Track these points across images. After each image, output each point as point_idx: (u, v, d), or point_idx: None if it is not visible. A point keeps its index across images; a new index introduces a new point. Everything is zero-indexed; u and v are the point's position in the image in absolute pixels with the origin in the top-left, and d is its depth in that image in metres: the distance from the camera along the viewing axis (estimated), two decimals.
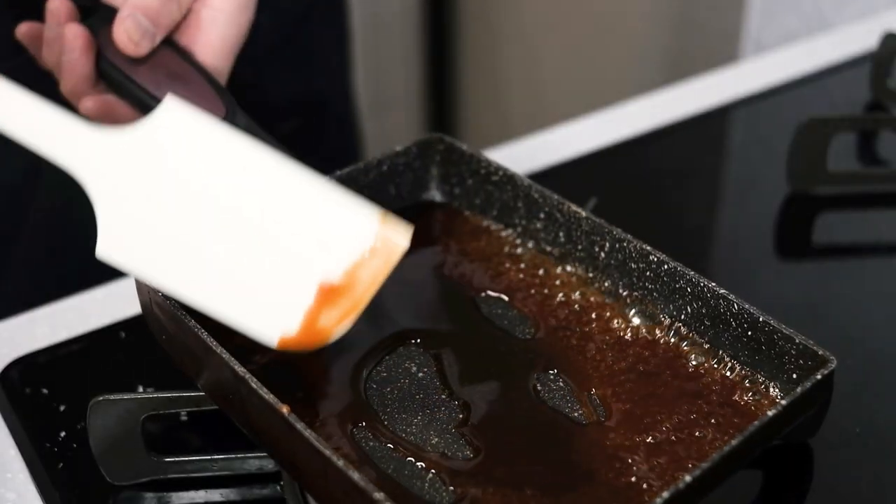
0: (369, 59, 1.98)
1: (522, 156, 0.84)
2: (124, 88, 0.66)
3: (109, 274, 0.72)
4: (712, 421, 0.53)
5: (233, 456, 0.57)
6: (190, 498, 0.57)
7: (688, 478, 0.46)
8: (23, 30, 0.70)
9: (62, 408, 0.62)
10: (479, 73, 2.01)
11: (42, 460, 0.59)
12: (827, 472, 0.57)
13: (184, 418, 0.61)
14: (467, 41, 2.00)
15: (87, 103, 0.66)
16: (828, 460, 0.58)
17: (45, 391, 0.63)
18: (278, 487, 0.57)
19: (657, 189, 0.83)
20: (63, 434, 0.60)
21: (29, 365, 0.65)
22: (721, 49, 1.39)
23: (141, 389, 0.62)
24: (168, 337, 0.56)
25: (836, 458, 0.58)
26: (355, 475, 0.45)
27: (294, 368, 0.56)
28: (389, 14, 1.95)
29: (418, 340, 0.58)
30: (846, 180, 0.80)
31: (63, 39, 0.65)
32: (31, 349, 0.66)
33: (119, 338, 0.67)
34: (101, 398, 0.55)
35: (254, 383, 0.49)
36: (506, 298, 0.61)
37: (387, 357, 0.57)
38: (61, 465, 0.58)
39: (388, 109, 2.04)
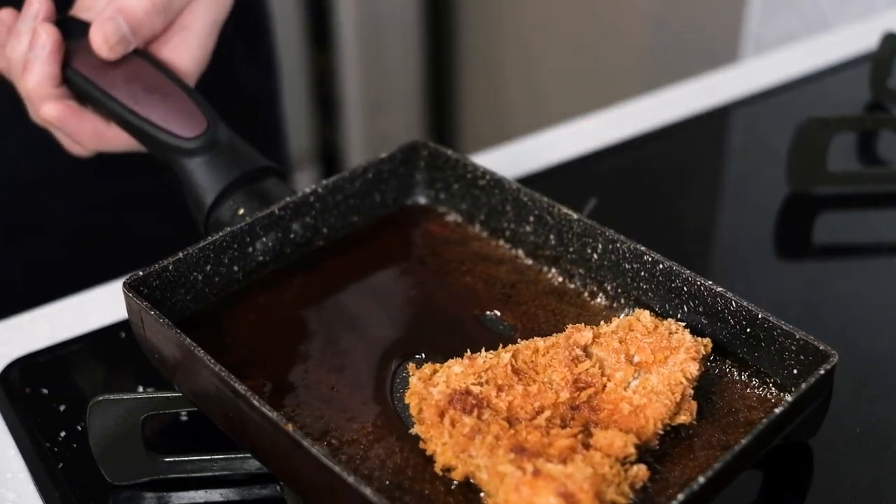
0: (369, 59, 1.98)
1: (522, 156, 0.84)
2: (97, 101, 0.65)
3: (108, 275, 0.72)
4: (714, 419, 0.53)
5: (233, 456, 0.57)
6: (190, 498, 0.57)
7: (701, 479, 0.46)
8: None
9: (62, 408, 0.62)
10: (479, 74, 2.01)
11: (42, 460, 0.59)
12: (827, 472, 0.57)
13: (184, 418, 0.61)
14: (467, 42, 2.00)
15: (49, 108, 0.65)
16: (828, 460, 0.58)
17: (45, 391, 0.63)
18: (278, 487, 0.57)
19: (657, 189, 0.83)
20: (63, 434, 0.60)
21: (29, 365, 0.65)
22: (721, 49, 1.39)
23: (141, 389, 0.62)
24: (161, 357, 0.55)
25: (836, 458, 0.58)
26: (367, 490, 0.45)
27: (294, 386, 0.56)
28: (389, 14, 1.95)
29: (422, 354, 0.57)
30: (846, 180, 0.80)
31: (35, 35, 0.64)
32: (31, 349, 0.66)
33: (119, 338, 0.67)
34: (101, 398, 0.55)
35: (255, 400, 0.49)
36: (497, 310, 0.60)
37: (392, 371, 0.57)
38: (61, 465, 0.58)
39: (387, 110, 2.04)
